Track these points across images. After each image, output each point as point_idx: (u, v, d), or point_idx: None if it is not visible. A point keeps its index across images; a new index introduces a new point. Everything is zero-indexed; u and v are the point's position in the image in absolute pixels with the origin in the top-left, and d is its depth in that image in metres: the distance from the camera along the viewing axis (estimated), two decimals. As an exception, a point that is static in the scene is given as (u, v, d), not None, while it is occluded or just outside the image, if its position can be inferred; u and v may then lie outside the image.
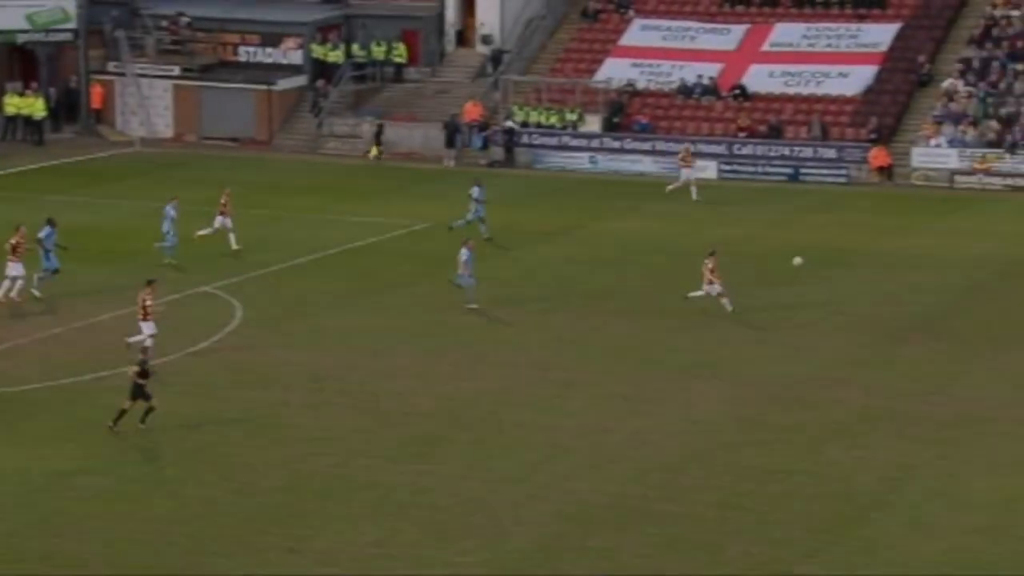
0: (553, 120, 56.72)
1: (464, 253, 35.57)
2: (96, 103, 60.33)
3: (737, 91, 56.10)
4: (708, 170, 53.32)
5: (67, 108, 60.03)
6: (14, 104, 57.89)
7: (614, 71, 57.67)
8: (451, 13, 61.70)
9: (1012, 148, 51.25)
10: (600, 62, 58.37)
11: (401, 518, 23.95)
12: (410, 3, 62.12)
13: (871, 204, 48.70)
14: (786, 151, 53.55)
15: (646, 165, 54.50)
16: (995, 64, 54.15)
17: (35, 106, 57.85)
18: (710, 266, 34.74)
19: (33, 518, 23.53)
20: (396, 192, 50.91)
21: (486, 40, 61.18)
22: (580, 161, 55.30)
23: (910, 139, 53.22)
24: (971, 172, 51.34)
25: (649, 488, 25.15)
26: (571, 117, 56.59)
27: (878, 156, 52.19)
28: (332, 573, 22.04)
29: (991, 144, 51.70)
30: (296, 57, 60.67)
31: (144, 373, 27.34)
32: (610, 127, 56.06)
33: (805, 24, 57.97)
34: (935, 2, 57.50)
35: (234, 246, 40.66)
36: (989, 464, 26.12)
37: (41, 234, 36.80)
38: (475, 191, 42.98)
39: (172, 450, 26.86)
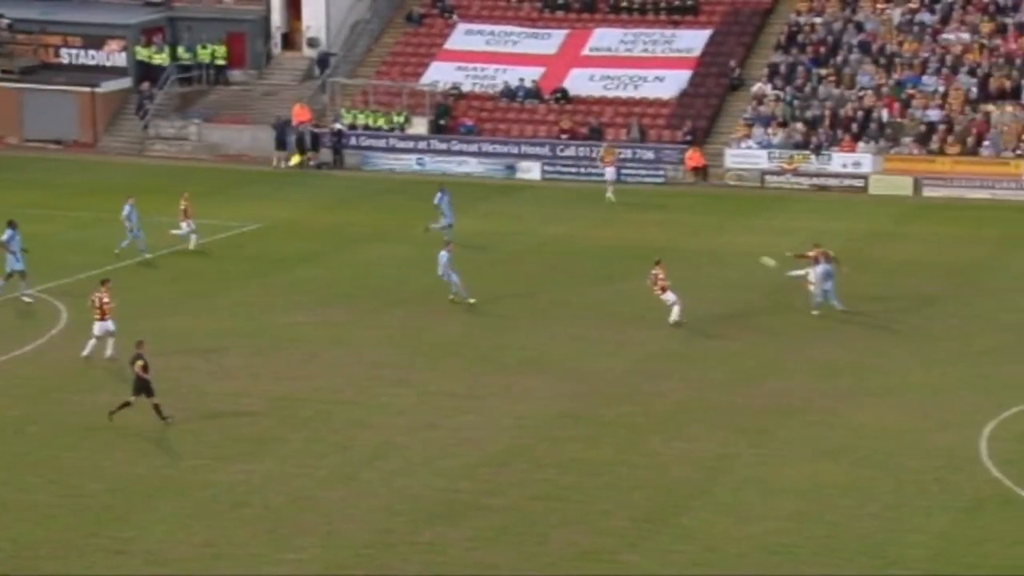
0: (381, 122, 56.55)
1: (443, 255, 35.81)
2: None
3: (559, 94, 56.60)
4: (532, 171, 53.73)
5: None
6: None
7: (439, 74, 57.72)
8: (277, 16, 61.09)
9: (817, 150, 52.64)
10: (426, 65, 58.38)
11: (232, 518, 23.59)
12: (235, 6, 61.32)
13: (687, 203, 49.59)
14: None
15: (472, 166, 54.68)
16: (800, 68, 55.56)
17: None
18: (660, 275, 33.98)
19: None
20: (225, 194, 50.19)
21: (312, 43, 60.71)
22: (408, 162, 55.23)
23: (723, 141, 54.32)
24: (780, 172, 52.60)
25: (477, 482, 25.19)
26: (398, 120, 56.48)
27: (693, 157, 53.14)
28: (161, 573, 21.60)
29: (798, 145, 53.03)
30: (120, 59, 59.44)
31: (146, 367, 26.92)
32: (437, 129, 56.11)
33: (622, 29, 58.76)
34: (744, 9, 58.79)
35: (192, 247, 40.87)
36: (801, 452, 26.76)
37: (4, 237, 35.27)
38: (439, 197, 42.56)
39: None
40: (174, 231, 41.21)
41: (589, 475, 25.63)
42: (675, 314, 34.09)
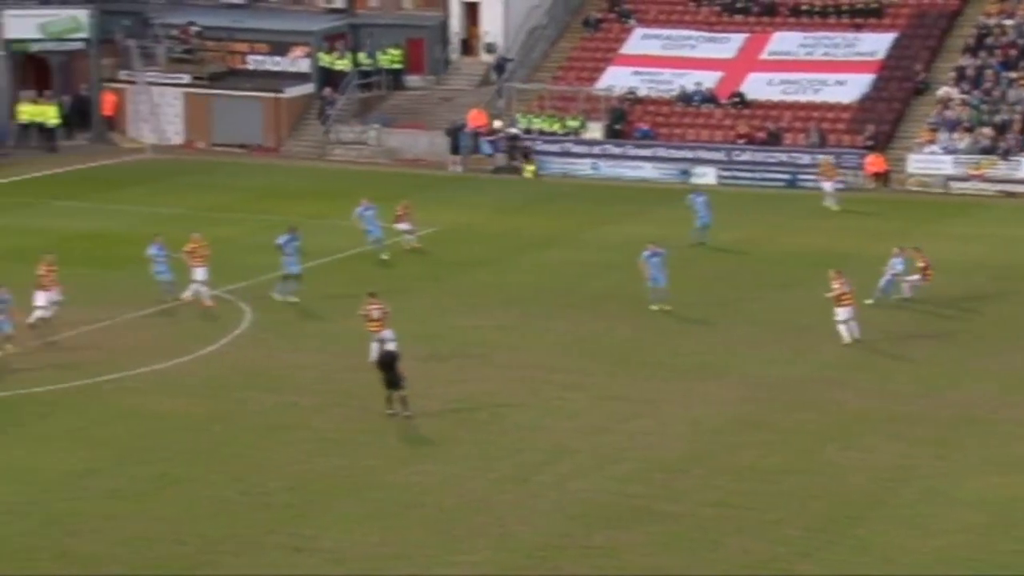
0: (556, 127, 56.70)
1: (648, 255, 35.53)
2: (108, 111, 60.36)
3: (736, 99, 56.04)
4: (707, 176, 53.26)
5: (79, 115, 60.06)
6: (27, 112, 57.92)
7: (615, 79, 57.63)
8: (455, 22, 61.69)
9: (1005, 154, 51.15)
10: (602, 70, 58.33)
11: (406, 518, 23.89)
12: (415, 12, 62.14)
13: (868, 209, 48.64)
14: (784, 157, 53.50)
15: (647, 171, 54.45)
16: (989, 72, 54.06)
17: (48, 113, 57.88)
18: (838, 285, 32.90)
19: (47, 517, 23.49)
20: (402, 198, 50.90)
21: (490, 49, 61.18)
22: (582, 167, 55.26)
23: (906, 146, 53.14)
24: (966, 178, 51.25)
25: (651, 487, 25.08)
26: (573, 124, 56.56)
27: (875, 162, 52.09)
28: (338, 572, 21.97)
29: (985, 150, 51.60)
30: (304, 65, 60.70)
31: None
32: (612, 134, 56.02)
33: (803, 33, 57.92)
34: (931, 11, 57.45)
35: (403, 247, 41.56)
36: (985, 464, 26.04)
37: (280, 240, 36.49)
38: (691, 199, 42.64)
39: (183, 451, 26.82)
40: (408, 237, 41.87)
41: (764, 483, 25.33)
42: (844, 333, 32.92)
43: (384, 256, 40.89)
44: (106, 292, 37.39)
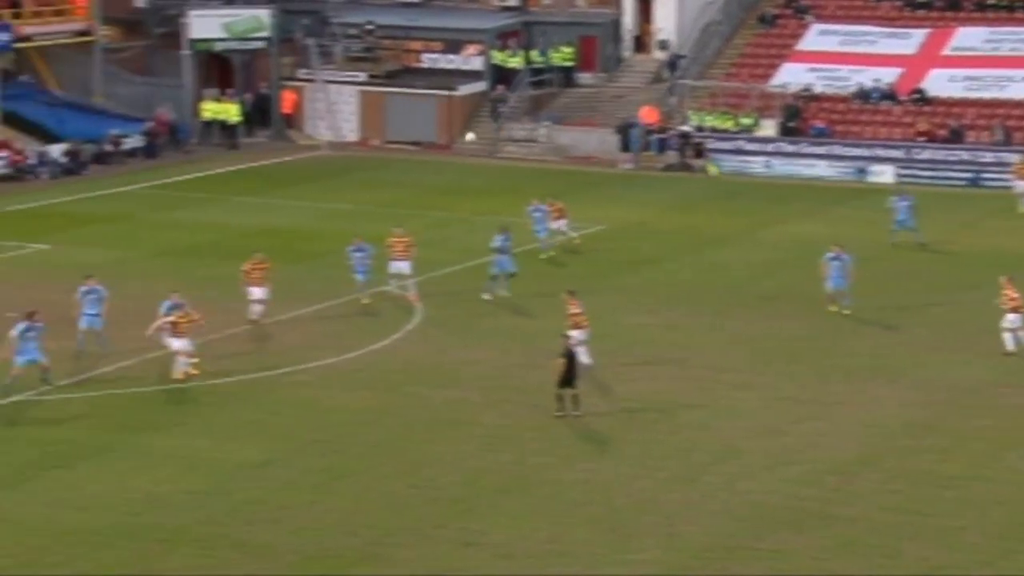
0: (728, 124, 56.17)
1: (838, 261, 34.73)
2: (287, 108, 61.63)
3: (916, 95, 54.81)
4: (885, 175, 52.21)
5: (260, 113, 61.45)
6: (211, 109, 59.46)
7: (790, 76, 56.89)
8: (628, 19, 61.53)
9: None
10: (776, 67, 57.64)
11: (575, 516, 23.88)
12: (588, 10, 62.15)
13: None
14: (966, 155, 52.16)
15: (822, 169, 53.62)
16: None
17: (230, 111, 59.33)
18: (1010, 293, 31.68)
19: (225, 507, 24.05)
20: (572, 195, 50.91)
21: (663, 46, 60.87)
22: (755, 165, 54.63)
23: (1096, 143, 51.37)
24: None
25: (823, 490, 24.66)
26: (746, 121, 55.96)
27: (1062, 161, 50.45)
28: (507, 567, 22.06)
29: None
30: (477, 63, 61.16)
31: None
32: (786, 131, 55.28)
33: (988, 28, 56.45)
34: (1123, 3, 55.50)
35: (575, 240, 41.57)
36: None
37: (496, 242, 36.72)
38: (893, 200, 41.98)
39: (354, 444, 27.22)
40: (571, 233, 41.72)
41: (942, 488, 24.71)
42: (1009, 342, 31.79)
43: (543, 256, 40.77)
44: (281, 287, 38.13)
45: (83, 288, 31.46)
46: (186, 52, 59.75)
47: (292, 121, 61.83)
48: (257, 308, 34.07)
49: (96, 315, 31.16)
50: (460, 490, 24.97)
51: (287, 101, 61.62)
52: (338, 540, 22.84)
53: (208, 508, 23.93)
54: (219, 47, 60.85)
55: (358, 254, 35.86)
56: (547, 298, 36.91)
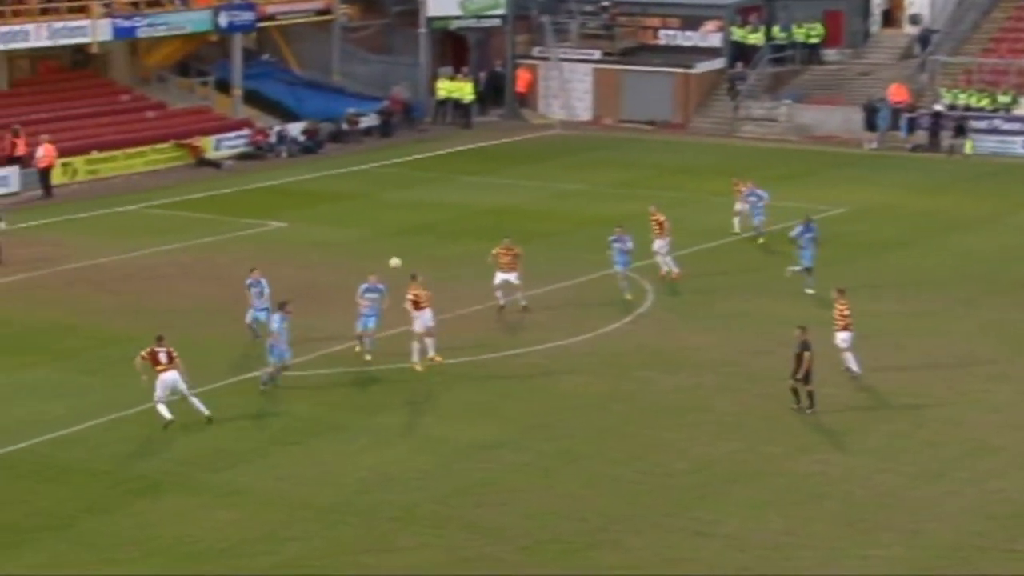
0: (984, 103, 54.20)
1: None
2: (521, 87, 61.97)
3: None
4: None
5: (493, 92, 61.96)
6: (445, 88, 60.21)
7: (1052, 51, 54.59)
8: (878, -7, 59.99)
9: None
10: (1037, 42, 55.37)
11: (811, 508, 23.34)
12: (834, -17, 60.81)
13: None
14: None
15: (1088, 149, 51.35)
16: None
17: (464, 90, 59.98)
18: None
19: (456, 487, 24.26)
20: (812, 176, 49.88)
21: (914, 20, 59.08)
22: (1013, 146, 52.58)
23: None
24: None
25: (1081, 492, 23.57)
26: (1004, 100, 53.89)
27: None
28: (741, 560, 21.70)
29: None
30: (715, 40, 60.41)
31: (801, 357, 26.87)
32: (1047, 110, 53.11)
33: None
34: None
35: (736, 230, 40.37)
36: None
37: (794, 232, 36.28)
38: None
39: (584, 428, 27.16)
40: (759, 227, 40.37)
41: None
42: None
43: (760, 241, 39.85)
44: (493, 268, 38.29)
45: (248, 280, 30.94)
46: (422, 30, 60.59)
47: (525, 100, 62.15)
48: (504, 294, 33.80)
49: (263, 309, 30.38)
50: (690, 478, 24.67)
51: (521, 80, 61.96)
52: (568, 525, 22.81)
53: (438, 488, 24.18)
54: (455, 25, 61.55)
55: (617, 244, 34.92)
56: (780, 282, 36.22)
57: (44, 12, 50.00)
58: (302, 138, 54.91)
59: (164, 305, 34.33)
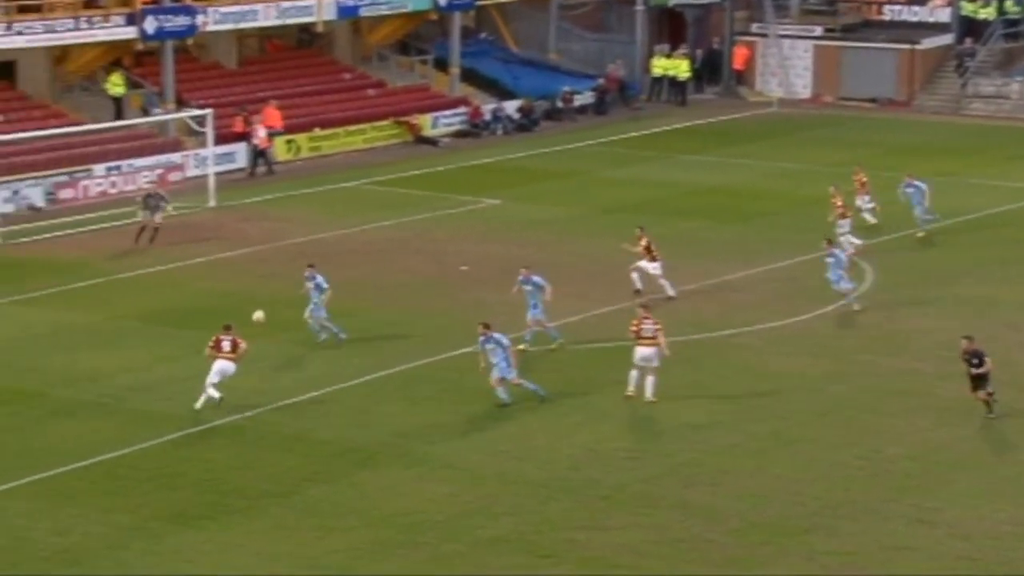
0: None
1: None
2: (738, 64, 61.38)
3: None
4: None
5: (710, 69, 61.52)
6: (661, 65, 59.99)
7: None
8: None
9: None
10: None
11: (1039, 499, 22.72)
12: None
13: None
14: None
15: None
16: None
17: (680, 67, 59.67)
18: None
19: (666, 467, 24.30)
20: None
21: None
22: None
23: None
24: None
25: None
26: None
27: None
28: (964, 549, 21.24)
29: None
30: (943, 15, 58.86)
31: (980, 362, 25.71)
32: None
33: None
34: None
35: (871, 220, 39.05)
36: None
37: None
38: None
39: (799, 410, 26.90)
40: (861, 207, 38.70)
41: None
42: None
43: (919, 234, 38.32)
44: (725, 247, 38.11)
45: (305, 274, 30.39)
46: (640, 7, 60.45)
47: (743, 77, 61.53)
48: (641, 277, 32.91)
49: (316, 304, 29.78)
50: (911, 464, 24.23)
51: (739, 57, 61.35)
52: (782, 508, 22.65)
53: (648, 468, 24.25)
54: (673, 2, 61.24)
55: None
56: (1000, 265, 35.22)
57: (274, -9, 51.40)
58: (517, 116, 55.41)
59: (384, 280, 35.13)
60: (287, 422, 26.22)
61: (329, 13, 52.34)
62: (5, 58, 46.69)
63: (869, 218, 38.62)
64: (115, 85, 47.81)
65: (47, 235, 39.40)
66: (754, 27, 61.27)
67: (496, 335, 26.80)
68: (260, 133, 45.30)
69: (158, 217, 38.28)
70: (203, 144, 44.86)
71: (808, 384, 28.16)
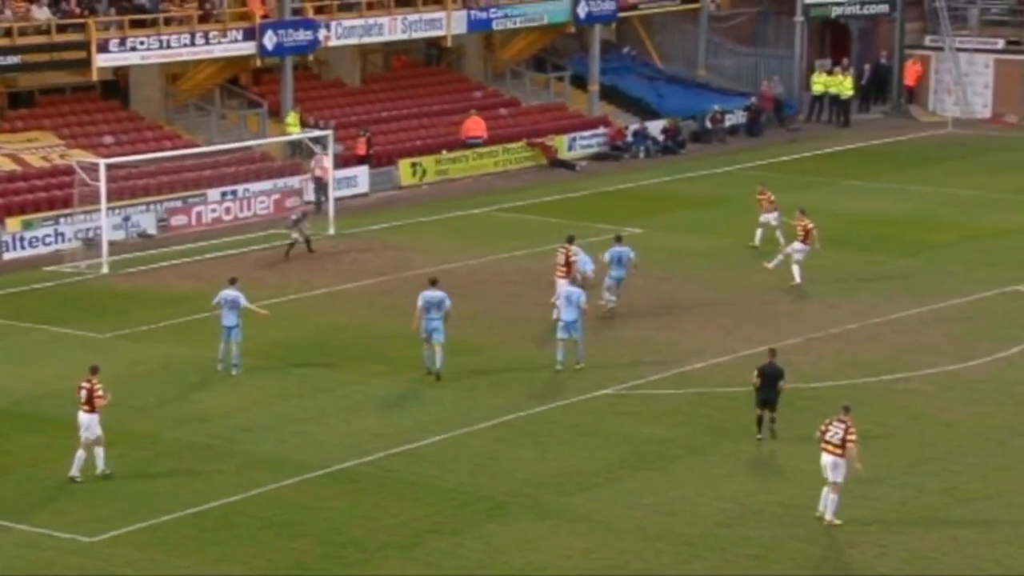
0: None
1: None
2: (910, 81, 60.73)
3: None
4: None
5: (877, 86, 60.93)
6: (822, 82, 59.53)
7: None
8: None
9: None
10: None
11: None
12: None
13: None
14: None
15: None
16: None
17: (843, 84, 59.16)
18: None
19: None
20: None
21: None
22: None
23: None
24: None
25: None
26: None
27: None
28: None
29: None
30: None
31: None
32: None
33: None
34: None
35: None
36: None
37: None
38: None
39: (976, 464, 26.39)
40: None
41: None
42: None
43: None
44: (891, 282, 37.58)
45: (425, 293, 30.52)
46: (799, 19, 60.11)
47: (914, 95, 60.85)
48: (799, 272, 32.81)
49: (437, 320, 29.94)
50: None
51: (910, 73, 60.69)
52: (955, 572, 22.21)
53: (806, 524, 23.96)
54: (836, 13, 60.79)
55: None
56: None
57: (399, 4, 51.97)
58: (661, 137, 55.36)
59: (515, 313, 35.24)
60: (409, 468, 26.39)
61: (459, 27, 52.82)
62: (116, 76, 47.85)
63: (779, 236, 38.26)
64: (291, 126, 47.88)
65: (157, 264, 40.21)
66: (927, 40, 60.58)
67: None
68: (324, 164, 45.29)
69: (305, 229, 39.96)
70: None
71: (987, 434, 27.65)
